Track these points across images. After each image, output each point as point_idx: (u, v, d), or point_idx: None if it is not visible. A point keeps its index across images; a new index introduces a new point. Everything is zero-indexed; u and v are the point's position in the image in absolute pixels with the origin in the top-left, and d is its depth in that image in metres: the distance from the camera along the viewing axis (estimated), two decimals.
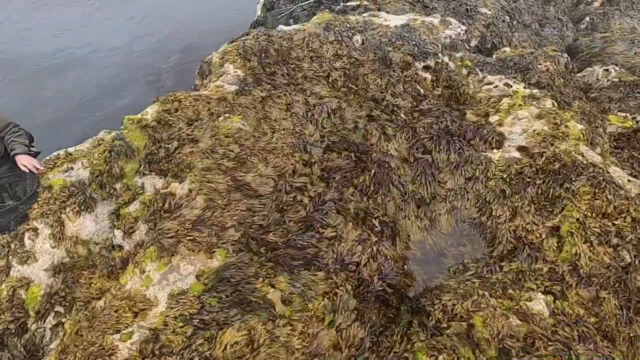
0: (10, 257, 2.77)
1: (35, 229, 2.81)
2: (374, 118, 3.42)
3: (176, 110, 3.15)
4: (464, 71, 4.76)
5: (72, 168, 3.18)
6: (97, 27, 9.74)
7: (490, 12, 6.95)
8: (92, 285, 2.42)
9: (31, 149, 3.55)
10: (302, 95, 3.57)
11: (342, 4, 6.90)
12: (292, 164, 2.82)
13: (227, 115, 3.12)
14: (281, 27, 4.82)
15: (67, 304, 2.64)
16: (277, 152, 2.87)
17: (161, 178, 2.68)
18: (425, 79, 4.30)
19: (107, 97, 7.92)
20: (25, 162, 3.05)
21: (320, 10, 7.69)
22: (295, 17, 7.78)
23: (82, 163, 3.14)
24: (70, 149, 3.42)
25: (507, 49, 6.06)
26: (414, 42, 4.44)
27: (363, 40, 4.54)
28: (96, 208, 2.96)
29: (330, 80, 3.83)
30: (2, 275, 2.72)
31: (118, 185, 2.98)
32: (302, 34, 4.45)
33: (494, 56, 5.96)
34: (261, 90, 3.51)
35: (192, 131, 2.97)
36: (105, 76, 8.36)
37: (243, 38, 4.55)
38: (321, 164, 2.87)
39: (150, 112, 3.19)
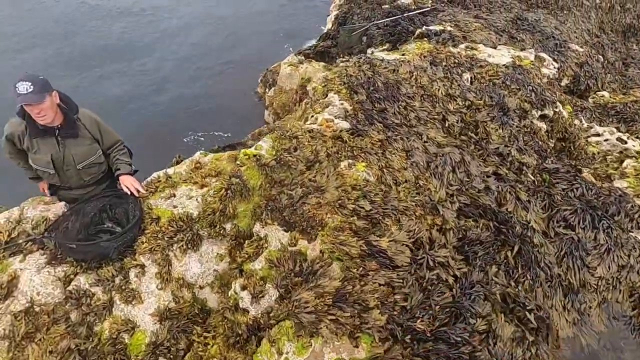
0: (114, 292, 2.57)
1: (142, 266, 2.60)
2: (502, 177, 3.07)
3: (295, 150, 2.90)
4: (577, 122, 4.34)
5: (174, 195, 2.98)
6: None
7: (582, 50, 6.45)
8: (209, 349, 2.18)
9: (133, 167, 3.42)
10: (420, 141, 3.26)
11: (424, 27, 6.58)
12: (426, 229, 2.51)
13: (350, 161, 2.84)
14: (380, 54, 4.53)
15: (171, 356, 2.42)
16: (409, 212, 2.57)
17: (286, 231, 2.42)
18: (540, 129, 3.92)
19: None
20: (128, 183, 2.87)
21: (397, 31, 7.39)
22: (370, 35, 7.50)
23: (185, 193, 2.94)
24: (170, 171, 3.23)
25: (605, 94, 5.58)
26: (530, 87, 4.05)
27: (472, 78, 4.20)
28: (201, 246, 2.74)
29: (447, 124, 3.50)
30: (105, 312, 2.52)
31: (228, 226, 2.75)
32: (408, 66, 4.15)
33: (591, 100, 5.49)
34: (377, 132, 3.22)
35: (314, 176, 2.71)
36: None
37: (343, 64, 4.29)
38: (457, 232, 2.55)
39: (265, 148, 2.95)
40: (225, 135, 7.21)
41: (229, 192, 2.70)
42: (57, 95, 2.56)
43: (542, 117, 3.99)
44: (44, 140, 2.64)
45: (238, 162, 2.84)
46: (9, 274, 2.57)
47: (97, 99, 7.28)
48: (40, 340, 2.42)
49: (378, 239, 2.36)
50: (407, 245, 2.39)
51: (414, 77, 3.98)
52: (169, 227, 2.73)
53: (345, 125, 3.35)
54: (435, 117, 3.57)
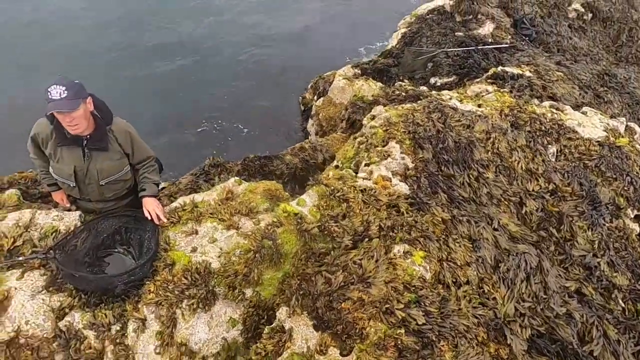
0: (108, 342, 2.23)
1: (143, 321, 2.24)
2: (587, 300, 2.47)
3: (343, 217, 2.43)
4: None
5: (196, 232, 2.59)
6: None
7: None
8: None
9: (160, 184, 3.08)
10: (489, 229, 2.70)
11: (500, 67, 5.89)
12: None
13: (405, 246, 2.34)
14: (455, 103, 3.94)
15: None
16: (469, 335, 2.05)
17: (316, 329, 1.97)
18: (632, 232, 3.24)
19: None
20: (150, 208, 2.51)
21: (468, 64, 6.74)
22: (437, 63, 6.87)
23: (209, 233, 2.55)
24: (198, 197, 2.86)
25: None
26: (628, 178, 3.37)
27: (558, 152, 3.56)
28: (213, 306, 2.35)
29: (523, 210, 2.92)
30: None
31: (249, 292, 2.33)
32: (485, 124, 3.56)
33: None
34: (441, 207, 2.70)
35: (360, 259, 2.23)
36: None
37: (410, 106, 3.76)
38: None
39: (309, 206, 2.50)
40: (249, 132, 6.89)
41: (257, 255, 2.28)
42: (92, 101, 2.22)
43: (637, 218, 3.31)
44: (69, 150, 2.30)
45: (274, 218, 2.41)
46: (2, 292, 2.26)
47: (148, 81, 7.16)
48: None
49: None
50: None
51: (491, 140, 3.40)
52: (182, 279, 2.35)
53: (405, 189, 2.84)
54: (511, 197, 2.99)
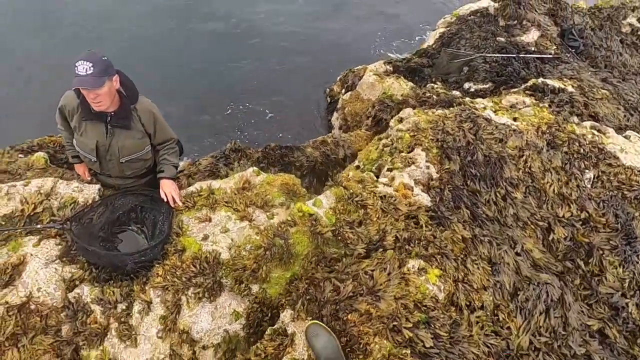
0: (112, 320, 2.25)
1: (149, 303, 2.24)
2: (609, 342, 2.32)
3: (359, 225, 2.35)
4: None
5: (209, 219, 2.58)
6: None
7: None
8: None
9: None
10: (511, 253, 2.56)
11: (540, 79, 5.58)
12: None
13: (421, 262, 2.24)
14: (489, 113, 3.74)
15: None
16: None
17: None
18: None
19: None
20: (167, 190, 2.51)
21: (506, 72, 6.45)
22: (473, 68, 6.58)
23: (222, 222, 2.53)
24: (215, 184, 2.84)
25: None
26: None
27: (595, 178, 3.34)
28: (219, 297, 2.33)
29: (550, 237, 2.76)
30: (96, 340, 2.21)
31: (255, 288, 2.30)
32: (519, 139, 3.36)
33: None
34: (462, 224, 2.57)
35: (372, 269, 2.15)
36: None
37: (441, 112, 3.59)
38: None
39: (325, 208, 2.42)
40: (273, 117, 6.84)
41: (268, 253, 2.23)
42: (118, 79, 2.20)
43: None
44: (93, 125, 2.31)
45: (288, 217, 2.35)
46: (18, 257, 2.31)
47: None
48: (23, 346, 2.16)
49: None
50: None
51: (523, 157, 3.21)
52: (191, 267, 2.33)
53: (426, 200, 2.72)
54: (539, 222, 2.82)
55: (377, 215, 2.42)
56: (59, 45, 7.02)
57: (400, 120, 3.83)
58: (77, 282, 2.28)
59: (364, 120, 6.67)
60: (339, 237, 2.27)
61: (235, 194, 2.78)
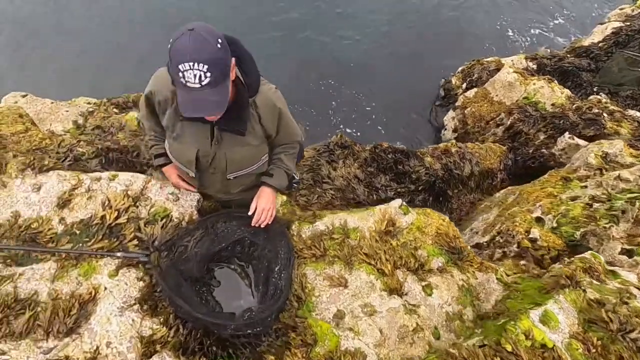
0: None
1: None
2: None
3: None
4: None
5: (345, 283, 1.72)
6: None
7: None
8: None
9: (295, 176, 2.22)
10: None
11: None
12: None
13: None
14: None
15: None
16: None
17: None
18: None
19: None
20: (262, 205, 1.68)
21: None
22: None
23: (364, 290, 1.64)
24: (350, 221, 1.96)
25: None
26: None
27: None
28: None
29: None
30: None
31: None
32: None
33: None
34: None
35: None
36: None
37: None
38: None
39: (564, 332, 1.40)
40: (373, 107, 5.71)
41: None
42: (235, 65, 1.30)
43: None
44: (194, 127, 1.48)
45: (501, 342, 1.34)
46: (90, 288, 1.64)
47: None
48: None
49: None
50: None
51: None
52: None
53: None
54: None
55: None
56: None
57: (605, 157, 2.61)
58: (157, 347, 1.56)
59: (491, 128, 5.38)
60: None
61: (376, 242, 1.88)
